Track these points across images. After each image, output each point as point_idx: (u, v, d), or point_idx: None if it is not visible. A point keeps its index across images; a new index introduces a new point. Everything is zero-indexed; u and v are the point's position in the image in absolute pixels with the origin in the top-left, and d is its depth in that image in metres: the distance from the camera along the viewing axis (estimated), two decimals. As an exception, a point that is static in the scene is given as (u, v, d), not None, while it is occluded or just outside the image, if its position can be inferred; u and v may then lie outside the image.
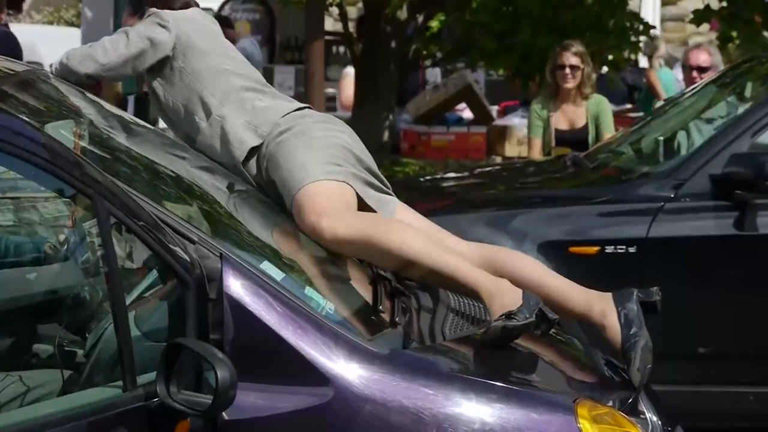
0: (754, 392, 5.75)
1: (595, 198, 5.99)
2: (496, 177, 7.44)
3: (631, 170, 6.24)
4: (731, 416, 5.81)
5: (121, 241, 3.21)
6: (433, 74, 16.50)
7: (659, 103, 12.05)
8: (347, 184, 3.80)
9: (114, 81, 4.02)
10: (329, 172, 3.78)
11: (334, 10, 13.78)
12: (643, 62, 15.23)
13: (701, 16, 11.86)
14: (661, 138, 6.36)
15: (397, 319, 3.54)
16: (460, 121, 14.53)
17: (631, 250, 5.66)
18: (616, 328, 3.70)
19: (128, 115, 4.17)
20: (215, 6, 17.39)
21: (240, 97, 3.98)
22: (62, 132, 3.38)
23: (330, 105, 12.15)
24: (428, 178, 8.12)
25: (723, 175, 5.72)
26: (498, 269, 3.79)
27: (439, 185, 7.20)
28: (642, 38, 12.13)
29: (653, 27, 12.74)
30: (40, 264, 3.75)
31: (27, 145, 2.87)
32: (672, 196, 5.78)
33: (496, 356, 3.47)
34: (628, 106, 14.26)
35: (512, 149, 13.54)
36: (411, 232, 3.71)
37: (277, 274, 3.22)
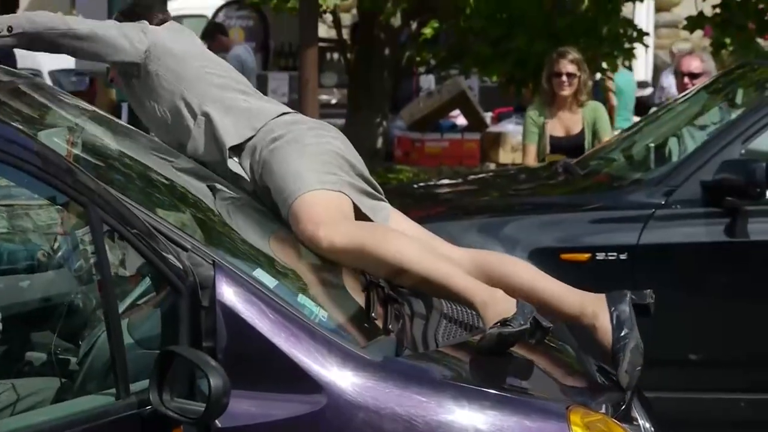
0: (746, 399, 5.76)
1: (586, 205, 6.01)
2: (489, 184, 7.46)
3: (622, 177, 6.26)
4: (723, 423, 5.81)
5: (114, 248, 3.22)
6: (427, 81, 16.54)
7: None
8: (343, 193, 3.81)
9: (73, 54, 3.96)
10: (324, 181, 3.78)
11: (328, 17, 13.83)
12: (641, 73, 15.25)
13: (695, 22, 11.88)
14: (653, 144, 6.37)
15: (390, 326, 3.55)
16: (453, 127, 14.56)
17: (623, 256, 5.67)
18: (607, 330, 3.71)
19: (122, 123, 4.18)
20: (209, 13, 17.41)
21: (223, 96, 3.97)
22: (55, 139, 3.38)
23: (324, 112, 12.15)
24: (422, 184, 8.13)
25: (714, 181, 5.74)
26: (490, 274, 3.80)
27: (433, 192, 7.22)
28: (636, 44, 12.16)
29: (647, 34, 12.76)
30: (33, 271, 3.75)
31: (20, 153, 2.88)
32: (663, 202, 5.79)
33: (489, 363, 3.47)
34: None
35: (506, 156, 13.57)
36: (406, 242, 3.72)
37: (270, 281, 3.23)
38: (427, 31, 12.78)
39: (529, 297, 3.68)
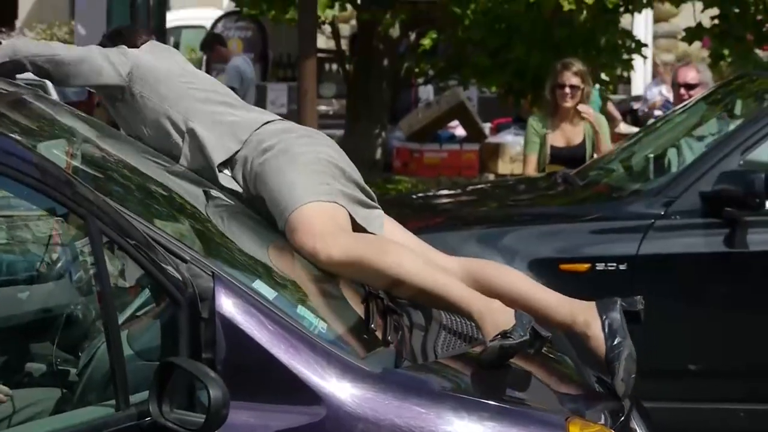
0: (745, 409, 5.76)
1: (585, 215, 6.01)
2: (487, 194, 7.46)
3: (621, 187, 6.27)
4: (722, 433, 5.82)
5: (113, 260, 3.22)
6: (426, 92, 16.56)
7: None
8: (337, 203, 3.81)
9: (60, 81, 3.98)
10: (319, 192, 3.79)
11: (327, 28, 13.84)
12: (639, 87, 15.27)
13: (693, 34, 11.90)
14: (652, 155, 6.38)
15: (389, 337, 3.55)
16: (452, 138, 14.57)
17: (622, 267, 5.67)
18: (599, 339, 3.71)
19: (121, 133, 4.18)
20: (208, 24, 17.43)
21: (207, 111, 3.98)
22: (54, 151, 3.39)
23: (323, 122, 12.16)
24: (421, 195, 8.13)
25: (713, 192, 5.74)
26: (483, 283, 3.81)
27: (432, 203, 7.22)
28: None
29: (645, 45, 12.79)
30: (33, 283, 3.76)
31: (18, 165, 2.88)
32: (662, 213, 5.80)
33: (488, 375, 3.47)
34: (622, 124, 14.29)
35: (505, 166, 13.57)
36: (404, 253, 3.73)
37: (269, 292, 3.23)
38: (426, 41, 12.80)
39: (522, 306, 3.70)
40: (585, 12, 11.37)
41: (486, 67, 11.98)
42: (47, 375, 3.39)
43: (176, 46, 16.87)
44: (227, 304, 3.05)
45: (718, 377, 5.77)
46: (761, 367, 5.77)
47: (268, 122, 4.00)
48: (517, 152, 12.63)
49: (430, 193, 8.08)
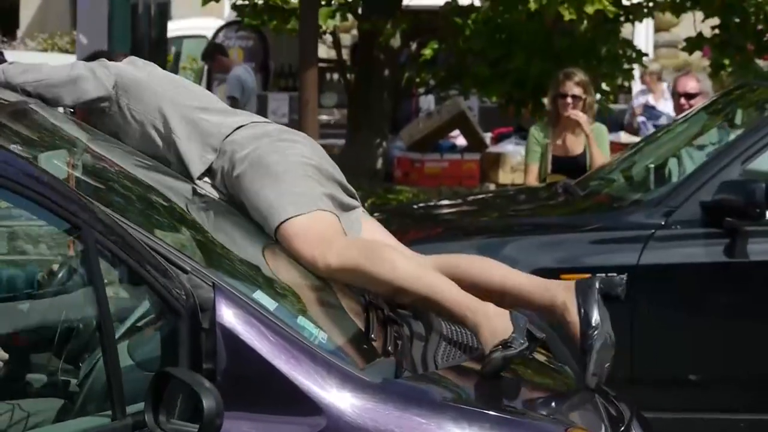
0: (745, 419, 5.75)
1: (586, 225, 6.01)
2: (488, 204, 7.46)
3: (622, 197, 6.27)
4: (723, 443, 5.82)
5: (113, 270, 3.22)
6: (427, 101, 16.55)
7: None
8: (321, 210, 3.79)
9: (51, 103, 4.00)
10: (299, 203, 3.74)
11: (328, 38, 13.85)
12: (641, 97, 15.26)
13: (694, 43, 11.91)
14: (652, 165, 6.38)
15: (389, 347, 3.55)
16: (453, 148, 14.55)
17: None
18: (576, 324, 3.69)
19: (122, 144, 4.18)
20: (209, 34, 17.44)
21: (186, 118, 3.98)
22: (55, 162, 3.39)
23: (324, 132, 12.16)
24: (422, 205, 8.13)
25: (713, 202, 5.74)
26: (460, 276, 3.78)
27: (433, 212, 7.22)
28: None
29: (646, 54, 12.79)
30: (33, 294, 3.75)
31: (17, 177, 2.88)
32: (663, 223, 5.80)
33: (488, 385, 3.48)
34: (622, 134, 14.30)
35: (506, 176, 13.56)
36: (399, 257, 3.72)
37: (269, 303, 3.23)
38: (427, 51, 12.80)
39: (500, 293, 3.69)
40: (586, 22, 11.38)
41: (487, 77, 11.98)
42: (49, 385, 3.40)
43: (177, 55, 16.89)
44: (228, 315, 3.06)
45: (719, 387, 5.76)
46: (762, 378, 5.76)
47: (240, 127, 3.98)
48: (518, 162, 12.62)
49: (431, 203, 8.08)
